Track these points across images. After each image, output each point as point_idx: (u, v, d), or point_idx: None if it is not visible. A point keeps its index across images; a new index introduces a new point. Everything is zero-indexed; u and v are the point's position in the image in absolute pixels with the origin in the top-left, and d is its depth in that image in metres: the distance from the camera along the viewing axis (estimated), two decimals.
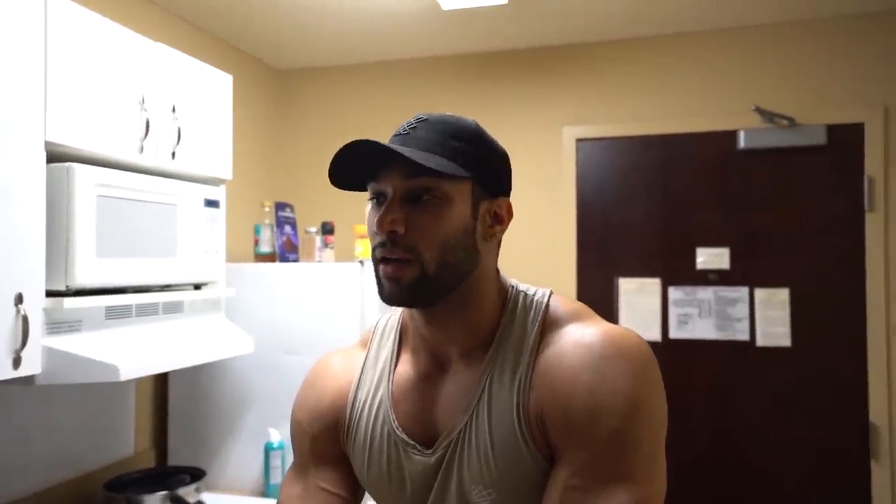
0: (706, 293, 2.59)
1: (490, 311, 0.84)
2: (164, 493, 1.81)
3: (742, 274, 2.57)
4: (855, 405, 2.47)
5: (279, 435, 2.08)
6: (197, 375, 2.22)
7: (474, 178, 0.80)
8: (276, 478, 2.06)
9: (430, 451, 0.82)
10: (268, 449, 2.06)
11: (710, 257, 2.60)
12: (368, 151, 0.77)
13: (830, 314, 2.50)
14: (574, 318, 0.81)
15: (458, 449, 0.80)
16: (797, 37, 2.54)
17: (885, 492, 2.42)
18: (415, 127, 0.80)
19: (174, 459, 2.24)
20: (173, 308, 1.78)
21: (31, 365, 1.33)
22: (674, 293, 2.63)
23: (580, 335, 0.78)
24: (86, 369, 1.39)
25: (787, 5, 2.40)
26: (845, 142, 2.50)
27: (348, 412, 0.90)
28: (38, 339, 1.35)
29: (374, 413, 0.88)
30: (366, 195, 2.78)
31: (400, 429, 0.85)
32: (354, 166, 0.81)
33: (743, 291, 2.56)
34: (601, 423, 0.72)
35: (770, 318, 2.53)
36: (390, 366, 0.90)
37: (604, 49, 2.74)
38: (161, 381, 2.29)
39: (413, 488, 0.84)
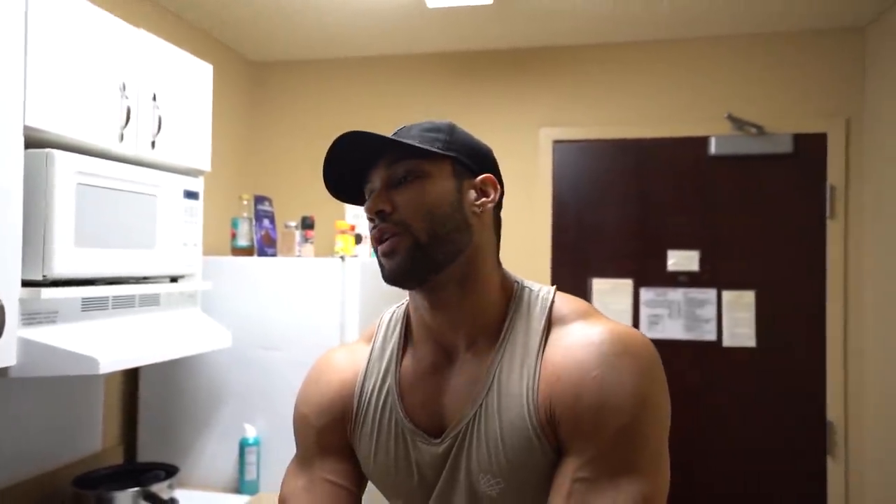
0: (676, 294, 2.66)
1: (494, 301, 0.86)
2: (136, 489, 1.77)
3: (710, 276, 2.65)
4: (813, 404, 2.57)
5: (255, 431, 2.06)
6: (169, 370, 2.17)
7: (452, 157, 0.85)
8: (251, 474, 2.03)
9: (437, 441, 0.84)
10: (243, 445, 2.03)
11: (681, 259, 2.67)
12: (350, 150, 0.83)
13: (793, 316, 2.60)
14: (580, 315, 0.84)
15: (466, 438, 0.82)
16: (768, 49, 2.63)
17: (839, 487, 2.53)
18: (396, 133, 0.87)
19: (143, 456, 2.19)
20: (150, 301, 1.74)
21: (6, 357, 1.29)
22: (645, 294, 2.69)
23: (588, 333, 0.80)
24: (64, 362, 1.35)
25: (759, 18, 2.49)
26: (810, 151, 2.60)
27: (355, 403, 0.91)
28: (14, 329, 1.30)
29: (381, 403, 0.89)
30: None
31: (408, 418, 0.86)
32: (349, 176, 0.88)
33: (711, 293, 2.64)
34: (610, 418, 0.74)
35: (736, 319, 2.62)
36: (397, 357, 0.91)
37: (582, 52, 2.78)
38: (131, 375, 2.24)
39: (420, 477, 0.86)
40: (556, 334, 0.82)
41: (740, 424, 2.61)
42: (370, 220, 0.84)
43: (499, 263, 0.89)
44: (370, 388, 0.91)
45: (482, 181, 0.87)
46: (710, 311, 2.64)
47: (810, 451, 2.57)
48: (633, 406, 0.74)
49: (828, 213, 2.57)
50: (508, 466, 0.78)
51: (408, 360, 0.90)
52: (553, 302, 0.86)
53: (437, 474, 0.84)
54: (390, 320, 0.96)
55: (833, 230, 2.57)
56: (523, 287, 0.89)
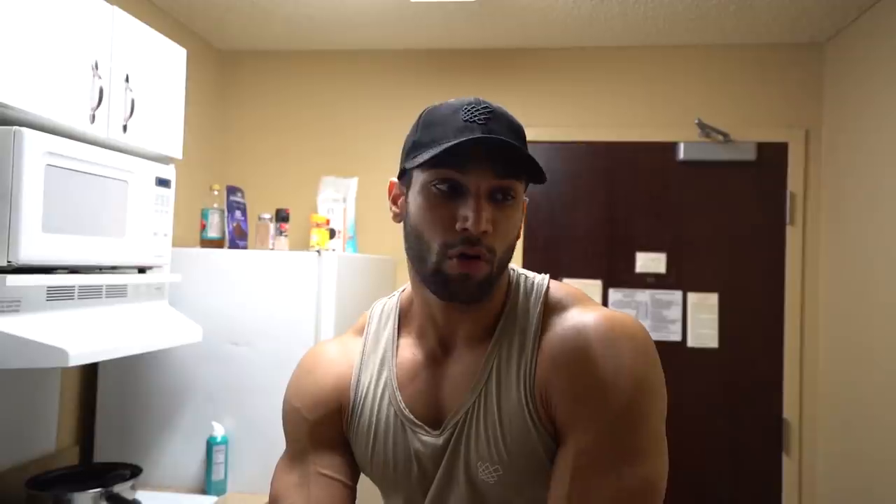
0: (644, 296, 2.71)
1: (498, 294, 0.86)
2: (98, 490, 1.68)
3: (677, 278, 2.72)
4: (771, 402, 2.66)
5: (223, 429, 1.99)
6: (130, 366, 2.07)
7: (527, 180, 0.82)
8: (219, 474, 1.96)
9: (437, 432, 0.83)
10: (210, 444, 1.96)
11: (649, 261, 2.72)
12: (476, 145, 0.75)
13: (753, 318, 2.68)
14: (575, 302, 0.84)
15: (465, 428, 0.81)
16: (735, 60, 2.72)
17: (793, 483, 2.63)
18: (488, 118, 0.77)
19: (100, 457, 2.08)
20: (117, 292, 1.66)
21: None
22: (614, 295, 2.74)
23: (584, 319, 0.80)
24: (30, 353, 1.27)
25: (727, 31, 2.57)
26: (772, 159, 2.70)
27: (351, 396, 0.89)
28: None
29: (378, 396, 0.87)
30: (307, 182, 2.71)
31: (408, 410, 0.85)
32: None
33: (677, 295, 2.71)
34: (610, 401, 0.74)
35: (700, 320, 2.69)
36: (392, 349, 0.89)
37: (558, 55, 2.81)
38: (89, 371, 2.12)
39: (420, 469, 0.85)
40: (552, 321, 0.82)
41: (701, 422, 2.68)
42: (456, 229, 0.76)
43: None
44: (366, 381, 0.89)
45: (526, 204, 0.86)
46: (676, 312, 2.70)
47: (767, 447, 2.66)
48: (631, 388, 0.75)
49: (787, 220, 2.67)
50: (507, 453, 0.78)
51: (403, 353, 0.89)
52: (548, 289, 0.86)
53: (437, 465, 0.83)
54: (381, 313, 0.94)
55: (792, 235, 2.67)
56: (518, 275, 0.89)
